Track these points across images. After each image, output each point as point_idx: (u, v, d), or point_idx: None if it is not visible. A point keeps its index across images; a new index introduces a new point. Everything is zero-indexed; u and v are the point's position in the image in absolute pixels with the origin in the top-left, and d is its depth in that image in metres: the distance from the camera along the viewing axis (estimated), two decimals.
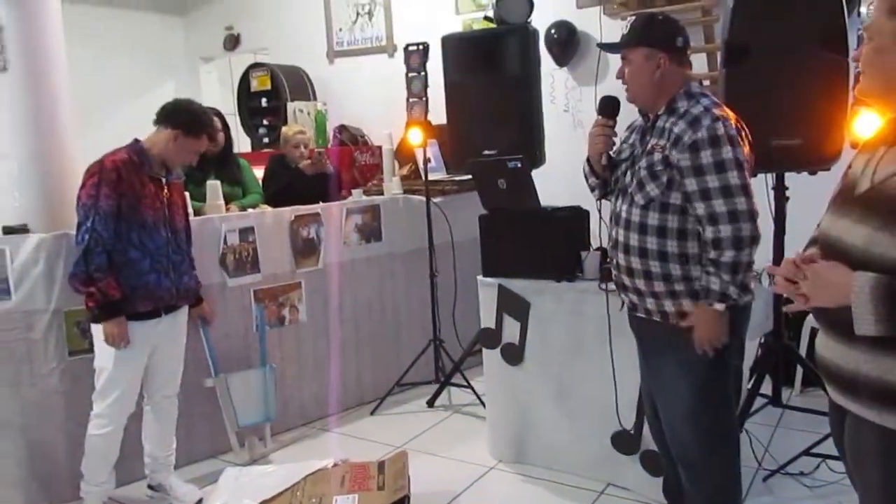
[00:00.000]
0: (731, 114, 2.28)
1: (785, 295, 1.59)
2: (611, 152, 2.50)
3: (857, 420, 1.50)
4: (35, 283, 3.15)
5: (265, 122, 6.26)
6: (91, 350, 3.11)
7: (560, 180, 3.75)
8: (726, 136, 2.19)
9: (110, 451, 3.03)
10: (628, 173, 2.40)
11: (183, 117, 3.04)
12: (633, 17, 2.42)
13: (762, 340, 3.55)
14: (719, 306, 2.22)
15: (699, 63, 4.31)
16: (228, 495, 2.92)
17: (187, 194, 3.40)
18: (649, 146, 2.33)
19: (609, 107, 2.49)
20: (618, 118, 2.50)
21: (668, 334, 2.36)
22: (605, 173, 2.51)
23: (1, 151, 3.25)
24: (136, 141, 3.04)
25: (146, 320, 3.00)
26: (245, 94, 6.37)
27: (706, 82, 4.28)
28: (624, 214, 2.38)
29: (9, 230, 3.22)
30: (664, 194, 2.27)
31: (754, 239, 2.21)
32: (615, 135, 2.50)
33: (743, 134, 2.27)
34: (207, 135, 3.12)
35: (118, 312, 2.91)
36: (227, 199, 3.94)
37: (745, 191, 2.20)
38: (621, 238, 2.39)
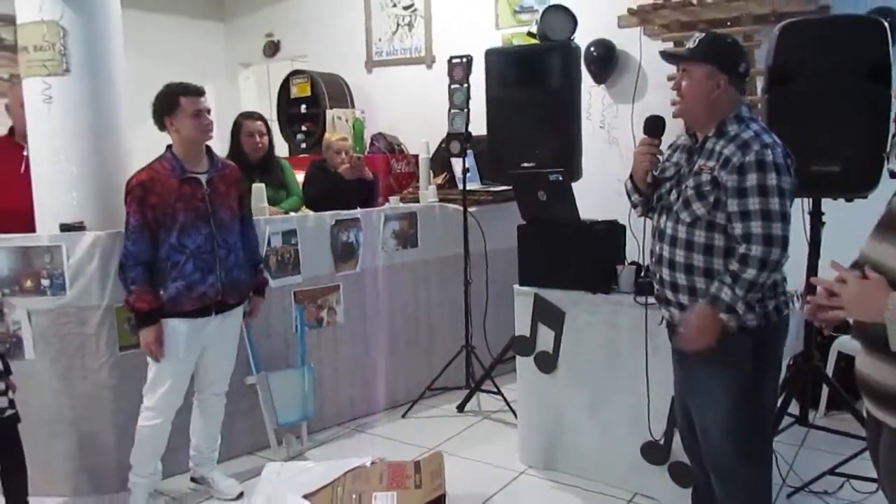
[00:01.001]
0: (779, 141, 2.34)
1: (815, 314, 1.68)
2: (654, 171, 2.57)
3: (889, 430, 1.57)
4: (90, 280, 3.27)
5: (304, 128, 6.38)
6: (139, 346, 3.24)
7: (593, 194, 3.84)
8: (773, 163, 2.25)
9: (158, 442, 3.15)
10: (673, 192, 2.47)
11: (158, 106, 3.10)
12: (702, 34, 2.44)
13: (791, 362, 3.61)
14: (724, 316, 2.30)
15: None
16: (272, 489, 3.02)
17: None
18: (697, 167, 2.39)
19: (654, 127, 2.55)
20: (662, 137, 2.57)
21: (710, 349, 2.38)
22: (648, 191, 2.58)
23: (63, 155, 3.36)
24: (168, 147, 3.13)
25: (195, 318, 3.09)
26: (284, 101, 6.50)
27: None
28: (669, 231, 2.45)
29: (66, 227, 3.31)
30: (710, 213, 2.34)
31: (778, 264, 2.28)
32: (661, 153, 2.56)
33: (789, 161, 2.33)
34: (185, 93, 3.09)
35: (149, 322, 3.01)
36: (272, 203, 4.06)
37: (783, 218, 2.27)
38: (666, 254, 2.46)
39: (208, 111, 3.13)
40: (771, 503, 2.56)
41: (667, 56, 2.55)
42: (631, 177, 2.65)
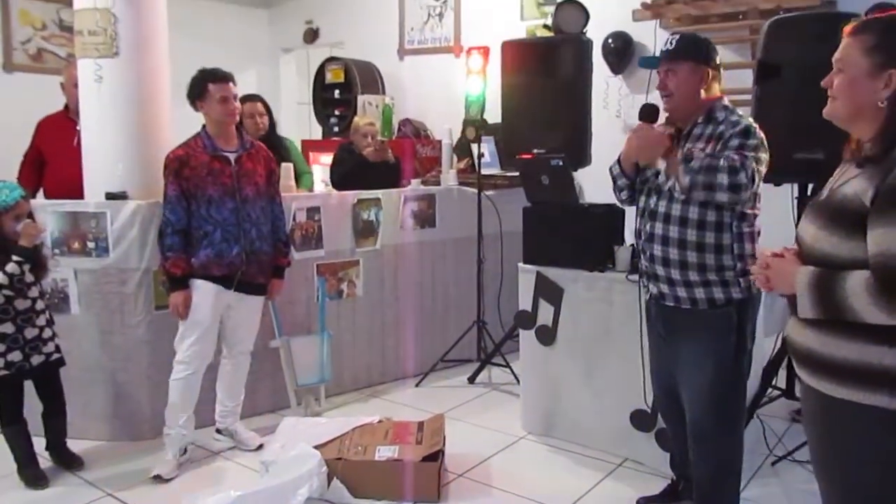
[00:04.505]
0: None
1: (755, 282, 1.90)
2: None
3: (805, 386, 1.79)
4: (130, 244, 3.60)
5: (336, 112, 6.66)
6: None
7: (608, 180, 4.03)
8: (756, 133, 2.48)
9: (189, 395, 3.40)
10: (662, 174, 2.63)
11: (190, 91, 3.39)
12: (676, 35, 2.65)
13: (779, 338, 3.76)
14: (679, 164, 2.46)
15: (745, 77, 4.53)
16: (286, 439, 3.31)
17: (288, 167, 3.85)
18: (686, 150, 2.56)
19: (651, 114, 2.69)
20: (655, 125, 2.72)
21: (697, 320, 2.61)
22: (634, 175, 2.76)
23: (111, 130, 3.68)
24: (203, 126, 3.43)
25: (221, 285, 3.38)
26: (320, 86, 6.79)
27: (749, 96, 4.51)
28: (662, 209, 2.61)
29: (111, 196, 3.64)
30: None
31: (737, 187, 2.38)
32: None
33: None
34: (213, 80, 3.34)
35: (180, 287, 3.32)
36: None
37: (756, 160, 2.42)
38: (659, 231, 2.62)
39: (235, 97, 3.40)
40: (740, 467, 2.74)
41: (648, 61, 2.72)
42: (619, 162, 2.83)
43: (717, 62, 2.62)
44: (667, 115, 2.73)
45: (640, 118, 2.74)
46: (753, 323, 2.67)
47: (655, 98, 2.78)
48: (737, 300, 2.56)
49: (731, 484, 2.72)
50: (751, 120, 2.53)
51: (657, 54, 2.72)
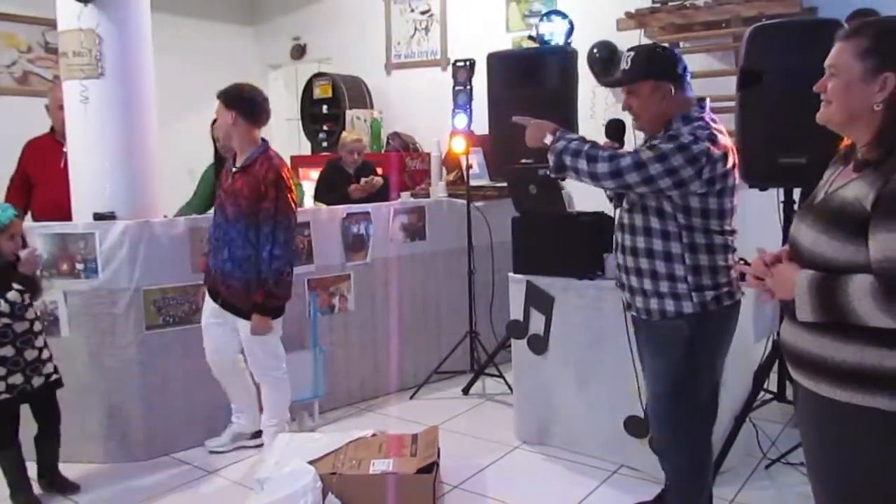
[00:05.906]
0: (721, 140, 2.41)
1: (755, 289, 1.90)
2: None
3: (803, 389, 1.79)
4: (120, 264, 3.58)
5: (325, 127, 6.68)
6: (164, 325, 3.65)
7: (595, 189, 4.04)
8: (683, 144, 2.34)
9: (228, 391, 3.75)
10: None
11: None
12: (631, 53, 2.55)
13: (772, 337, 3.77)
14: (549, 137, 2.60)
15: (730, 85, 4.56)
16: (280, 455, 3.30)
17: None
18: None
19: (616, 131, 2.74)
20: (625, 138, 2.74)
21: (651, 331, 2.62)
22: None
23: (98, 150, 3.69)
24: None
25: (210, 294, 3.55)
26: (308, 101, 6.82)
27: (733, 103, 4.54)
28: (626, 220, 2.62)
29: (99, 216, 3.64)
30: (643, 197, 2.48)
31: (614, 174, 2.39)
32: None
33: (728, 160, 2.41)
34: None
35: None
36: None
37: (661, 158, 2.33)
38: (620, 240, 2.65)
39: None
40: (705, 476, 2.70)
41: (611, 85, 2.71)
42: None
43: (680, 71, 2.51)
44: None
45: (607, 135, 2.76)
46: (716, 339, 2.57)
47: None
48: (687, 314, 2.49)
49: (696, 486, 2.68)
50: (697, 133, 2.38)
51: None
